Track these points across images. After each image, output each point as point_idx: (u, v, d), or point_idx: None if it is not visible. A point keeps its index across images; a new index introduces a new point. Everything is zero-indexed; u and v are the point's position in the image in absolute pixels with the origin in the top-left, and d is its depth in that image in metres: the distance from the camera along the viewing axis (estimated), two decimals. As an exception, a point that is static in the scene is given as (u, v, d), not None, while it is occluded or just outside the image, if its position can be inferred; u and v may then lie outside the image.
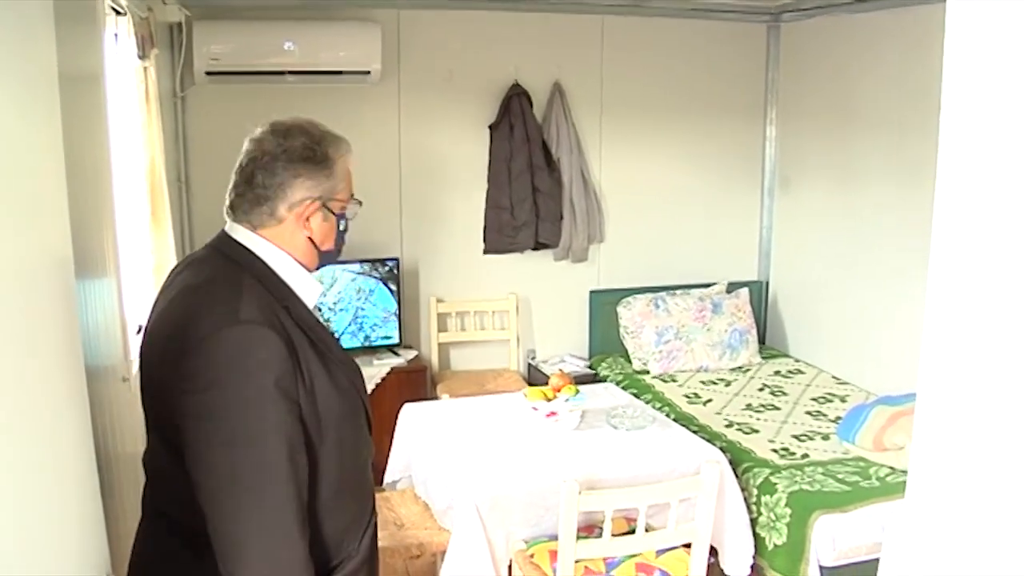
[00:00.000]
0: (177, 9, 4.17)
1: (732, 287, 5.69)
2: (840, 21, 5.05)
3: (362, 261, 5.00)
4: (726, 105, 5.65)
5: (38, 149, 1.96)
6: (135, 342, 3.02)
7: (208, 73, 4.58)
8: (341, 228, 1.99)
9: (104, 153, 2.67)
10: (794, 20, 5.48)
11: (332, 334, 1.98)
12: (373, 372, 4.88)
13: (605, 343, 5.58)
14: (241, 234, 1.90)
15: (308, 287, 1.95)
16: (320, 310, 4.86)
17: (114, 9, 2.91)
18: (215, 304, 1.77)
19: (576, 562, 3.15)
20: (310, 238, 1.92)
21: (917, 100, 4.57)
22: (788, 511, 3.73)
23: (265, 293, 1.83)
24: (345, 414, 1.89)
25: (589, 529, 3.30)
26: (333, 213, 1.94)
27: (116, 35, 3.00)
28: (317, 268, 1.99)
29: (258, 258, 1.89)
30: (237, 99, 4.80)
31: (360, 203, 2.02)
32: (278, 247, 1.90)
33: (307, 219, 1.90)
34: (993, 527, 0.97)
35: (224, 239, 1.93)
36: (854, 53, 5.03)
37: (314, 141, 1.94)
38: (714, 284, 5.69)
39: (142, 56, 3.13)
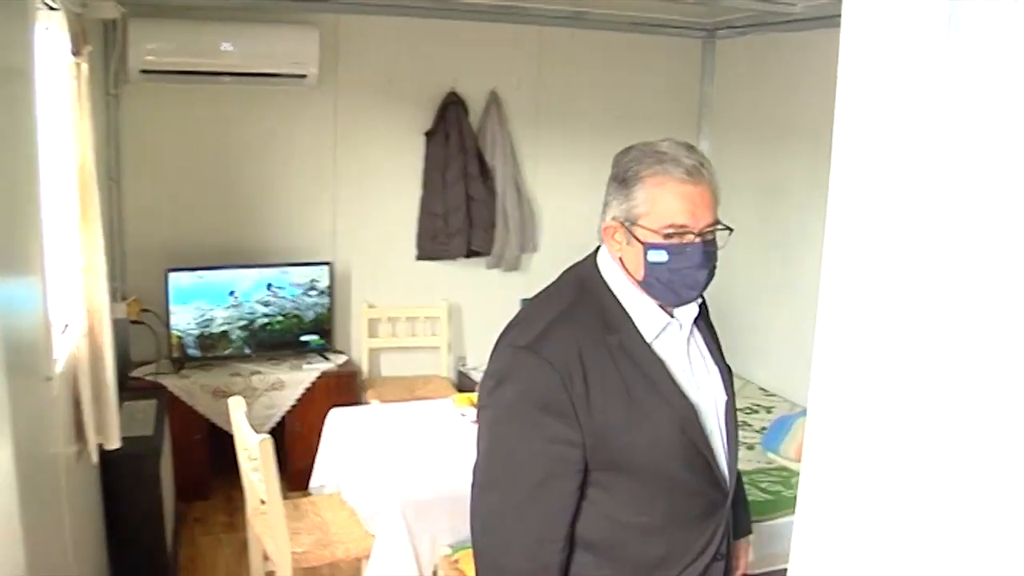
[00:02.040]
0: (113, 6, 4.11)
1: (662, 299, 5.75)
2: (773, 39, 5.15)
3: (294, 264, 4.99)
4: (660, 118, 5.71)
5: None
6: (60, 341, 2.99)
7: (143, 71, 4.53)
8: (650, 260, 1.83)
9: (31, 150, 2.64)
10: (728, 37, 5.57)
11: (663, 370, 1.86)
12: (302, 376, 4.86)
13: (535, 351, 5.60)
14: (601, 250, 1.94)
15: (647, 317, 1.87)
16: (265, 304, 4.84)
17: (46, 4, 2.87)
18: (510, 328, 1.91)
19: (500, 568, 3.16)
20: (620, 259, 1.89)
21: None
22: (710, 520, 3.79)
23: (588, 321, 1.84)
24: (648, 448, 1.82)
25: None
26: (638, 240, 1.84)
27: (47, 28, 2.97)
28: (663, 303, 1.89)
29: (603, 280, 1.91)
30: (172, 98, 4.77)
31: (675, 248, 1.84)
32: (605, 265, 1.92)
33: (612, 236, 1.89)
34: (880, 533, 1.01)
35: (594, 253, 1.96)
36: (785, 71, 5.14)
37: (630, 158, 1.95)
38: (644, 295, 5.75)
39: (75, 53, 3.10)
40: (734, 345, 5.53)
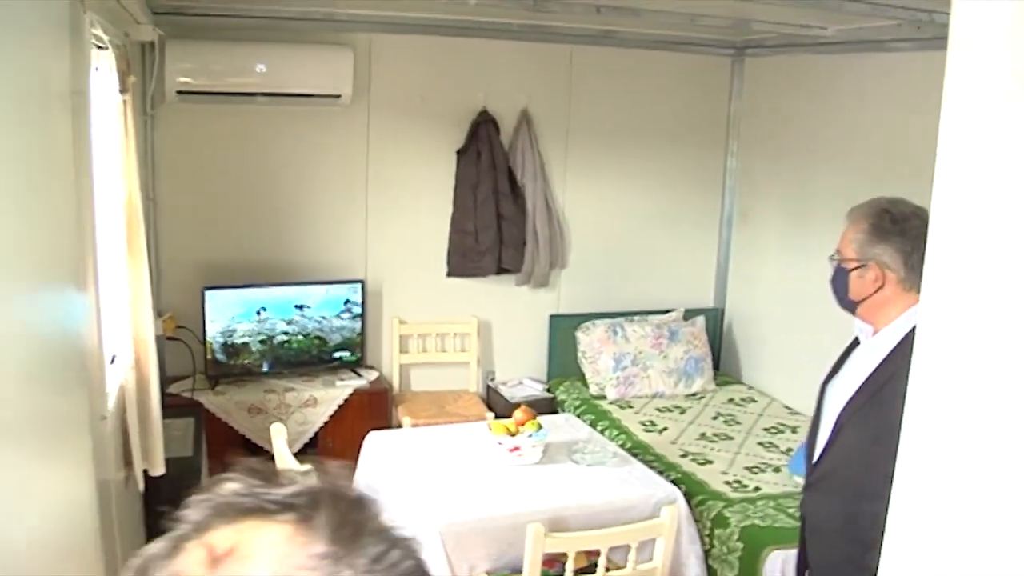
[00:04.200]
0: (151, 29, 4.17)
1: (689, 314, 5.80)
2: (803, 60, 5.18)
3: (328, 283, 5.05)
4: (689, 136, 5.77)
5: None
6: (110, 373, 3.05)
7: (179, 92, 4.59)
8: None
9: (87, 181, 2.69)
10: (758, 56, 5.60)
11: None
12: (335, 393, 4.92)
13: (563, 367, 5.67)
14: None
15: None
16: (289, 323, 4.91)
17: (97, 44, 2.93)
18: None
19: (538, 598, 3.23)
20: None
21: (871, 143, 4.74)
22: (740, 545, 3.84)
23: None
24: None
25: (551, 563, 3.38)
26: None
27: (97, 68, 3.02)
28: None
29: None
30: (207, 118, 4.83)
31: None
32: None
33: None
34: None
35: None
36: (814, 92, 5.17)
37: None
38: (671, 311, 5.80)
39: (123, 91, 3.15)
40: (758, 361, 5.66)
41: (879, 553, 2.45)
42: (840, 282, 2.60)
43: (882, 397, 2.43)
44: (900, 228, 2.51)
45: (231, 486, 0.82)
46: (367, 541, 0.75)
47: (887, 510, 2.42)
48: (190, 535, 0.77)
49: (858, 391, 2.53)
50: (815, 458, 2.66)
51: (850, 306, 2.61)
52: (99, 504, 2.29)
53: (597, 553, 3.32)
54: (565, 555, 3.21)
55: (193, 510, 0.79)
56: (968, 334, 1.05)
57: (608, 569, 3.30)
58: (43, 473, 2.02)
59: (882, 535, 2.42)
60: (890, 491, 2.35)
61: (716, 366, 5.87)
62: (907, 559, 1.14)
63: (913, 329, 2.44)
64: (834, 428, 2.57)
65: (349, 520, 0.77)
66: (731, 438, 4.89)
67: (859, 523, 2.50)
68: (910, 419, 1.11)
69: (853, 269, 2.55)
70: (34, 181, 2.04)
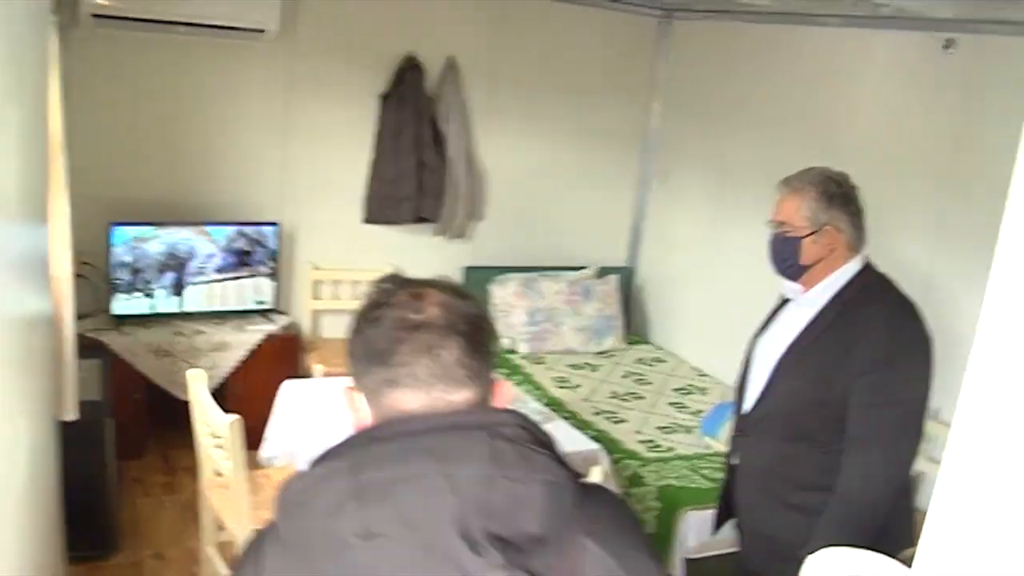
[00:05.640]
0: (67, -54, 3.95)
1: (603, 272, 5.82)
2: (733, 28, 5.19)
3: (242, 224, 4.90)
4: (613, 94, 5.76)
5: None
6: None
7: (95, 16, 4.35)
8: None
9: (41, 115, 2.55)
10: (686, 19, 5.60)
11: None
12: (246, 338, 4.79)
13: (476, 319, 5.62)
14: None
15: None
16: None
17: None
18: None
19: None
20: None
21: (792, 111, 4.81)
22: (658, 504, 3.90)
23: None
24: None
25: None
26: None
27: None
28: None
29: None
30: (124, 47, 4.60)
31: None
32: None
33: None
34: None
35: None
36: (742, 60, 5.20)
37: None
38: (585, 268, 5.81)
39: (54, 11, 2.97)
40: (668, 321, 5.73)
41: (806, 491, 2.67)
42: (788, 249, 2.70)
43: (820, 345, 2.67)
44: (844, 193, 2.69)
45: None
46: None
47: (818, 449, 2.66)
48: None
49: (795, 341, 2.72)
50: (749, 406, 2.85)
51: (796, 271, 2.73)
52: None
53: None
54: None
55: None
56: None
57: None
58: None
59: (809, 474, 2.66)
60: (823, 432, 2.61)
61: (627, 325, 5.92)
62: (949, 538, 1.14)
63: (845, 286, 2.62)
64: (771, 376, 2.77)
65: None
66: (642, 398, 4.95)
67: (790, 464, 2.77)
68: (961, 419, 1.10)
69: (807, 235, 2.66)
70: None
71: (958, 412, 1.10)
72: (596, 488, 1.38)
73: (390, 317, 1.29)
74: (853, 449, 2.57)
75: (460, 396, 1.29)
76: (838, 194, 2.67)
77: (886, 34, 4.30)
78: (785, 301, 2.90)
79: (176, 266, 4.75)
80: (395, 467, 1.20)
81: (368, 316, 1.32)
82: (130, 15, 4.40)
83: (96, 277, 4.63)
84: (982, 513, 1.07)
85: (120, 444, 4.45)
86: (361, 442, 1.27)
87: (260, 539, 1.32)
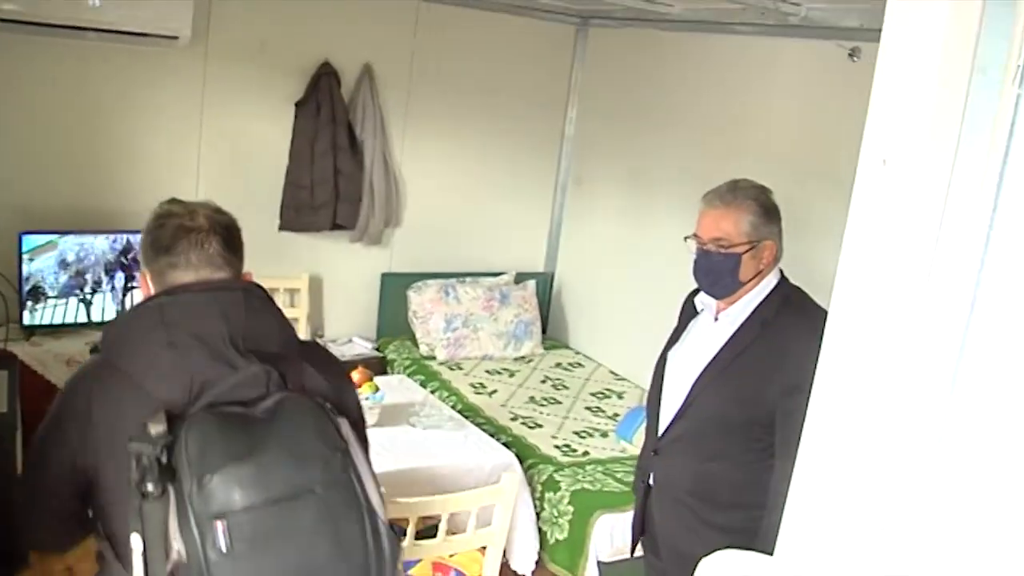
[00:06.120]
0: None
1: (520, 278, 5.87)
2: (647, 35, 5.26)
3: (154, 231, 4.83)
4: (529, 101, 5.80)
5: None
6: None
7: (1, 20, 4.26)
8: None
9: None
10: (603, 27, 5.67)
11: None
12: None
13: (393, 326, 5.64)
14: None
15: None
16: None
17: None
18: None
19: (376, 563, 3.22)
20: None
21: (705, 117, 4.92)
22: (571, 508, 3.95)
23: None
24: None
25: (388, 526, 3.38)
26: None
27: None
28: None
29: None
30: (32, 52, 4.50)
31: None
32: None
33: None
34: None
35: None
36: (656, 67, 5.28)
37: None
38: (503, 274, 5.85)
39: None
40: (585, 326, 5.80)
41: (725, 510, 2.64)
42: (726, 266, 2.61)
43: (742, 363, 2.61)
44: (775, 206, 2.67)
45: None
46: None
47: (736, 467, 2.62)
48: None
49: (715, 359, 2.66)
50: (664, 425, 2.77)
51: (731, 288, 2.65)
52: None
53: (435, 517, 3.34)
54: (405, 519, 3.22)
55: None
56: (870, 348, 1.11)
57: (447, 533, 3.33)
58: None
59: (728, 493, 2.64)
60: (743, 451, 2.57)
61: (544, 330, 5.97)
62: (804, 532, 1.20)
63: (764, 301, 2.63)
64: (688, 395, 2.69)
65: None
66: (559, 402, 5.00)
67: (709, 483, 2.70)
68: (814, 418, 1.17)
69: (747, 251, 2.60)
70: None
71: (810, 410, 1.16)
72: (315, 343, 2.23)
73: (172, 224, 1.92)
74: (786, 456, 2.54)
75: (219, 275, 1.92)
76: (772, 207, 2.64)
77: (795, 42, 4.40)
78: (693, 313, 2.84)
79: (86, 275, 4.68)
80: (187, 305, 1.84)
81: (157, 223, 1.94)
82: (38, 20, 4.32)
83: (5, 287, 4.54)
84: (834, 504, 1.14)
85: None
86: (159, 296, 1.88)
87: (83, 376, 1.93)
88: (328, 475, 1.75)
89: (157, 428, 1.66)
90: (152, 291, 1.91)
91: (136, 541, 1.66)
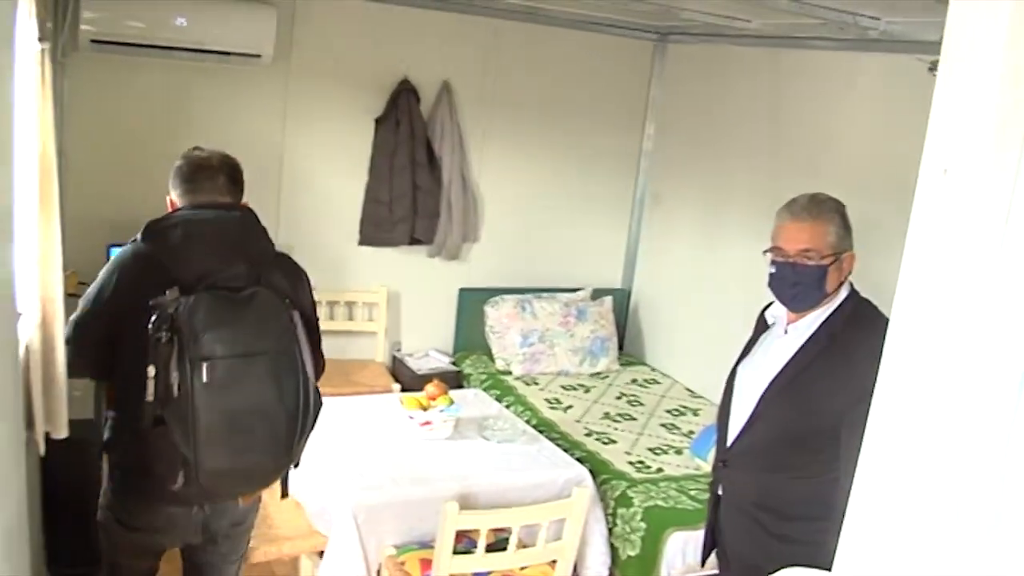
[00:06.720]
0: (65, -27, 4.02)
1: (597, 294, 5.86)
2: (725, 50, 5.25)
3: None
4: (607, 117, 5.80)
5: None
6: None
7: (93, 41, 4.42)
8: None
9: (8, 132, 2.58)
10: (680, 42, 5.66)
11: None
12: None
13: (470, 341, 5.68)
14: None
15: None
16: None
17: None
18: None
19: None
20: None
21: (781, 133, 4.87)
22: (643, 525, 3.92)
23: None
24: None
25: (459, 538, 3.40)
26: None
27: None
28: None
29: None
30: (121, 71, 4.66)
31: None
32: None
33: None
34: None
35: None
36: (734, 82, 5.26)
37: None
38: (579, 290, 5.86)
39: (41, 39, 3.02)
40: (662, 343, 5.77)
41: (791, 522, 2.63)
42: (811, 277, 2.62)
43: (810, 376, 2.62)
44: (849, 221, 2.69)
45: None
46: None
47: (802, 480, 2.62)
48: None
49: (782, 371, 2.67)
50: (733, 437, 2.79)
51: (815, 299, 2.66)
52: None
53: (506, 530, 3.36)
54: (476, 531, 3.24)
55: None
56: (933, 359, 1.09)
57: (518, 547, 3.34)
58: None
59: (794, 505, 2.63)
60: (808, 464, 2.56)
61: (620, 346, 5.95)
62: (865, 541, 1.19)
63: (833, 314, 2.62)
64: (756, 407, 2.71)
65: None
66: (634, 419, 4.98)
67: (775, 495, 2.72)
68: (874, 431, 1.15)
69: (832, 263, 2.62)
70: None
71: (870, 422, 1.15)
72: (286, 255, 2.83)
73: (194, 162, 2.73)
74: (848, 470, 2.52)
75: (223, 200, 2.69)
76: (848, 220, 2.67)
77: (873, 56, 4.34)
78: (765, 327, 2.86)
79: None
80: (199, 217, 2.63)
81: (183, 161, 2.75)
82: (128, 40, 4.47)
83: (93, 297, 4.67)
84: (894, 517, 1.12)
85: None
86: (182, 210, 2.68)
87: (121, 257, 2.71)
88: (278, 345, 2.48)
89: (173, 294, 2.38)
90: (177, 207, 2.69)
91: (151, 370, 2.36)
